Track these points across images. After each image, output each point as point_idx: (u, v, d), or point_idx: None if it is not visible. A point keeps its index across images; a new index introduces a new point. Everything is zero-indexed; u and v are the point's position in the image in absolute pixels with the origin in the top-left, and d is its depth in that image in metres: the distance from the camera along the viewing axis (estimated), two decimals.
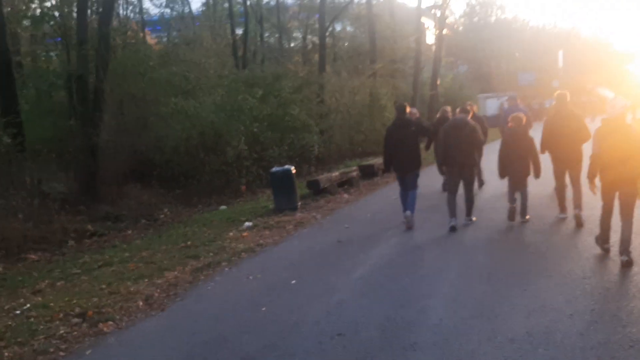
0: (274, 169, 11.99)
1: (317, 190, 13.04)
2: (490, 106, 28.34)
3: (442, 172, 10.90)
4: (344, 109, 21.96)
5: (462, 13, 45.41)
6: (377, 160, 16.50)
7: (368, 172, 15.29)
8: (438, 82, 24.39)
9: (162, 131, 14.84)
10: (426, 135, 9.76)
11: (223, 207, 13.55)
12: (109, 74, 14.92)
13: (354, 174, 14.63)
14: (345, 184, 14.15)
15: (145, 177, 15.20)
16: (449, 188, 8.84)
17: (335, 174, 13.99)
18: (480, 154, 9.52)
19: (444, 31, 34.97)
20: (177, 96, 15.64)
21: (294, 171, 11.91)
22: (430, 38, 35.58)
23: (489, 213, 9.49)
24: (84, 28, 13.66)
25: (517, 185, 8.49)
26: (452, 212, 8.56)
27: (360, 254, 7.76)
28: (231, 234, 9.81)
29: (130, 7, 30.21)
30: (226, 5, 28.60)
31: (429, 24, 35.16)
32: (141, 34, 24.07)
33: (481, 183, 12.16)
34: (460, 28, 45.60)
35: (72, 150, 13.68)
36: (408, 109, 9.34)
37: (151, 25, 32.49)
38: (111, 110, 14.88)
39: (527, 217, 8.53)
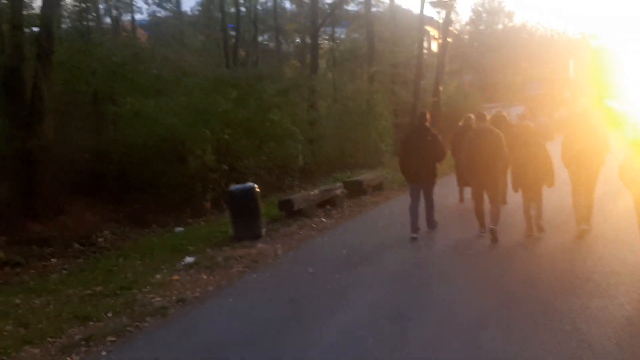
0: (233, 187, 9.37)
1: (290, 212, 10.41)
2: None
3: (460, 184, 10.62)
4: (336, 115, 19.32)
5: (468, 20, 42.77)
6: (368, 175, 13.86)
7: (355, 190, 12.63)
8: (440, 88, 21.68)
9: (114, 136, 12.29)
10: (439, 156, 8.46)
11: (179, 229, 11.01)
12: (57, 70, 12.39)
13: (338, 191, 11.99)
14: (327, 203, 11.51)
15: (96, 191, 12.61)
16: (475, 199, 8.22)
17: (315, 192, 11.34)
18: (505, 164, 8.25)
19: (448, 38, 32.44)
20: (144, 97, 13.08)
21: (257, 190, 9.29)
22: (433, 46, 32.97)
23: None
24: (19, 10, 11.11)
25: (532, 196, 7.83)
26: (482, 223, 8.05)
27: (316, 328, 5.12)
28: (159, 276, 7.19)
29: (122, 6, 28.06)
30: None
31: (433, 32, 32.59)
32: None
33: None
34: (466, 36, 42.93)
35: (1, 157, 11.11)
36: (428, 116, 8.56)
37: (147, 29, 30.06)
38: (57, 111, 12.27)
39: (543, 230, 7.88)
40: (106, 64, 14.20)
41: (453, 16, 38.28)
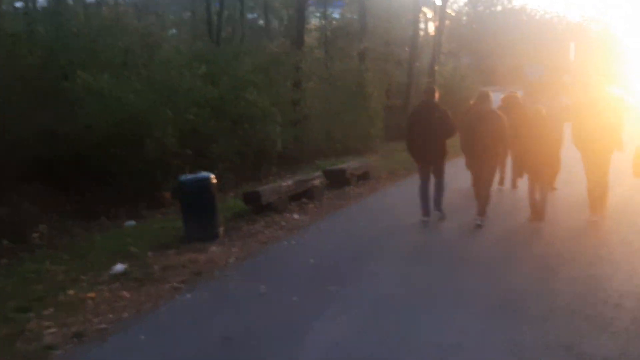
0: (184, 177, 7.73)
1: (257, 207, 8.80)
2: (495, 100, 23.90)
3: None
4: (323, 95, 17.60)
5: (467, 1, 40.87)
6: (353, 163, 12.23)
7: (337, 180, 11.01)
8: (436, 69, 19.96)
9: (68, 116, 10.58)
10: (448, 131, 7.90)
11: (131, 223, 9.39)
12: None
13: (317, 182, 10.36)
14: (304, 195, 9.90)
15: (45, 178, 10.91)
16: (474, 181, 8.06)
17: (288, 183, 9.69)
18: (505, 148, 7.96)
19: (446, 19, 30.61)
20: (104, 71, 11.36)
21: (214, 181, 7.66)
22: (430, 28, 31.10)
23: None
24: None
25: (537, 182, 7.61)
26: (482, 210, 7.59)
27: None
28: (72, 291, 5.60)
29: None
30: None
31: (430, 15, 30.75)
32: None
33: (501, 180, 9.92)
34: (464, 18, 41.09)
35: None
36: (437, 94, 8.05)
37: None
38: None
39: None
40: (60, 35, 12.44)
41: None
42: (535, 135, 7.44)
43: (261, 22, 29.71)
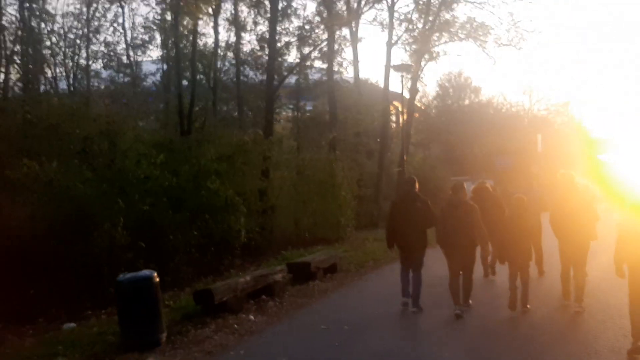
0: (121, 277, 6.83)
1: (210, 306, 7.84)
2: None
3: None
4: (292, 184, 17.04)
5: (435, 95, 41.91)
6: (319, 255, 11.43)
7: (302, 274, 10.15)
8: (405, 158, 19.72)
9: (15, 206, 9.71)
10: (429, 221, 7.98)
11: (70, 325, 8.33)
12: None
13: (279, 276, 9.48)
14: (263, 292, 8.99)
15: None
16: (451, 273, 7.65)
17: (246, 278, 8.80)
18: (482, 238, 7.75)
19: (415, 112, 31.16)
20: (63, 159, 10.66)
21: (156, 280, 6.78)
22: (400, 119, 31.51)
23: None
24: None
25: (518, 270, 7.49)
26: (456, 300, 7.49)
27: None
28: None
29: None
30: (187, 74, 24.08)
31: (400, 109, 31.24)
32: None
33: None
34: (434, 111, 41.96)
35: None
36: (417, 184, 8.17)
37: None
38: None
39: (528, 306, 7.51)
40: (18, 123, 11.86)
41: (420, 89, 37.44)
42: (517, 224, 7.40)
43: (236, 114, 29.70)
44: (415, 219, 7.76)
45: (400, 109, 31.57)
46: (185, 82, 23.55)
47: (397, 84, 33.68)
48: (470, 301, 7.78)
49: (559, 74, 71.06)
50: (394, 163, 22.78)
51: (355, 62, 22.73)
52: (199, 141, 14.01)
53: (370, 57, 54.31)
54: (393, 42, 21.00)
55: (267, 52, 19.52)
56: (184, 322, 7.56)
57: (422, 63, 21.86)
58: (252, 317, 7.81)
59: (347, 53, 37.71)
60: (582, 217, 7.26)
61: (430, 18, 21.24)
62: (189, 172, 12.02)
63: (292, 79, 25.91)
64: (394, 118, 32.68)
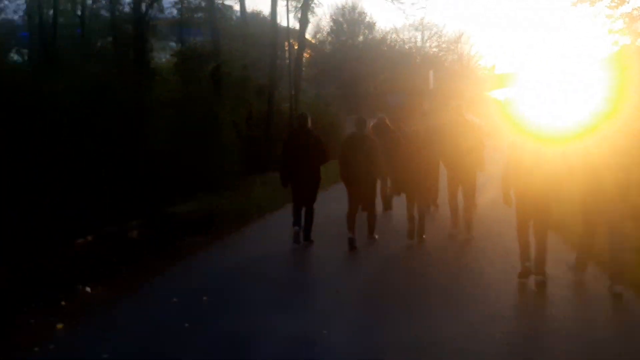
0: None
1: None
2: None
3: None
4: (172, 125, 14.90)
5: (329, 30, 40.18)
6: (191, 207, 9.70)
7: (166, 230, 8.39)
8: (293, 93, 18.10)
9: None
10: (322, 157, 7.78)
11: None
12: None
13: (134, 233, 7.75)
14: (114, 254, 7.20)
15: None
16: (350, 205, 7.64)
17: (87, 239, 6.93)
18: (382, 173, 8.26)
19: (307, 50, 29.35)
20: None
21: None
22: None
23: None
24: None
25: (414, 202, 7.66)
26: (351, 227, 7.47)
27: None
28: None
29: None
30: None
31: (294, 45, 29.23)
32: None
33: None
34: (328, 47, 40.36)
35: None
36: (309, 121, 7.93)
37: None
38: None
39: (424, 236, 7.70)
40: None
41: (315, 23, 35.52)
42: (413, 155, 7.49)
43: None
44: (309, 155, 7.63)
45: (295, 46, 29.78)
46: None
47: (291, 19, 31.55)
48: (376, 236, 7.88)
49: (455, 7, 71.33)
50: (286, 100, 21.07)
51: None
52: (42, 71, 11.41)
53: None
54: None
55: None
56: None
57: None
58: (88, 289, 6.04)
59: None
60: (468, 147, 7.51)
61: None
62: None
63: (174, 11, 23.12)
64: (287, 55, 30.85)
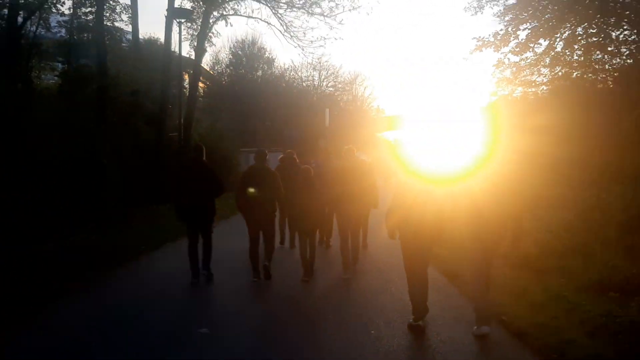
0: None
1: None
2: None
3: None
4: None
5: (228, 63, 39.40)
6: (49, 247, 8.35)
7: None
8: (181, 121, 17.03)
9: None
10: (217, 190, 7.49)
11: None
12: None
13: None
14: None
15: None
16: (250, 239, 7.54)
17: None
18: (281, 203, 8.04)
19: (201, 80, 28.43)
20: None
21: None
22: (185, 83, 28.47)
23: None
24: None
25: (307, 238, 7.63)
26: (255, 267, 7.42)
27: None
28: None
29: None
30: None
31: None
32: None
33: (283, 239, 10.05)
34: (226, 78, 39.51)
35: None
36: (204, 151, 7.64)
37: None
38: None
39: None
40: None
41: (213, 56, 34.78)
42: (304, 194, 7.44)
43: None
44: (202, 187, 7.37)
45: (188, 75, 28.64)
46: None
47: (188, 47, 30.32)
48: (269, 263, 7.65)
49: (351, 51, 73.54)
50: (177, 128, 19.90)
51: (134, 9, 19.26)
52: None
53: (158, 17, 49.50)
54: None
55: None
56: None
57: (211, 20, 19.17)
58: None
59: None
60: (362, 189, 7.65)
61: None
62: None
63: (63, 31, 21.34)
64: (182, 83, 29.64)
